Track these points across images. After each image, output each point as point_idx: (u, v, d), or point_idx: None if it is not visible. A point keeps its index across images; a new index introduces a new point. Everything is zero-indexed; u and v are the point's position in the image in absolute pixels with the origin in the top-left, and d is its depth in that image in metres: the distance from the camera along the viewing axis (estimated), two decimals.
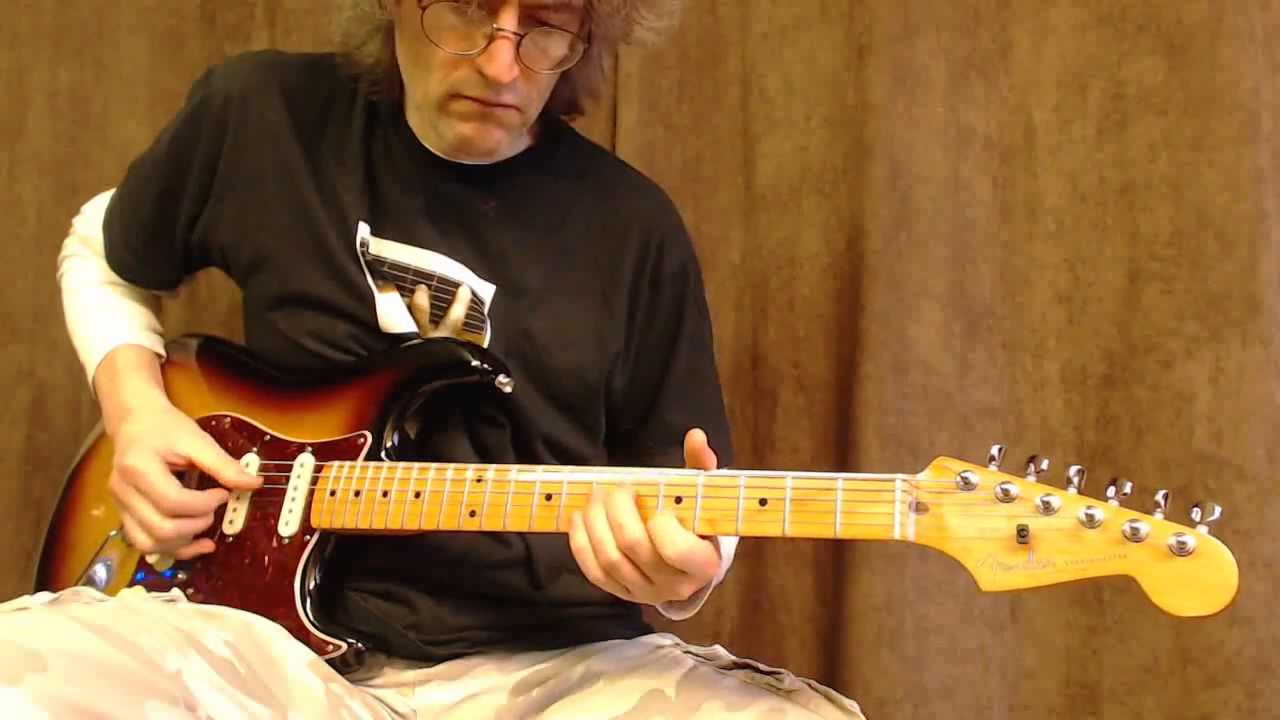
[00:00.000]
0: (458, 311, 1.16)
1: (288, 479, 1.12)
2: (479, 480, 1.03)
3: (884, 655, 1.45)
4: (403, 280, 1.16)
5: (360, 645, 1.06)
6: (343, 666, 1.06)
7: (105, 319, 1.28)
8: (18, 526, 1.69)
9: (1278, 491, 1.37)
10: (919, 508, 0.88)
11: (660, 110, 1.62)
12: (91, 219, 1.33)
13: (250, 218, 1.19)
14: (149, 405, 1.19)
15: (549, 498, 1.00)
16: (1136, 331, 1.44)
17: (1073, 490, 0.85)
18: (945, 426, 1.48)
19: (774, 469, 0.94)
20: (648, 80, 1.61)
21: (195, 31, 1.72)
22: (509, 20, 1.04)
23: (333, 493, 1.09)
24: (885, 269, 1.49)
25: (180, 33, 1.72)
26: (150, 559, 1.15)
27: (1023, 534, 0.84)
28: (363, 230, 1.16)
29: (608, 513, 0.94)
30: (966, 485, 0.87)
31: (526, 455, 1.17)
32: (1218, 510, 0.82)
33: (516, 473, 1.02)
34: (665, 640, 1.18)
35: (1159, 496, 0.83)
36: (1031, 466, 0.87)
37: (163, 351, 1.28)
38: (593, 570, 0.95)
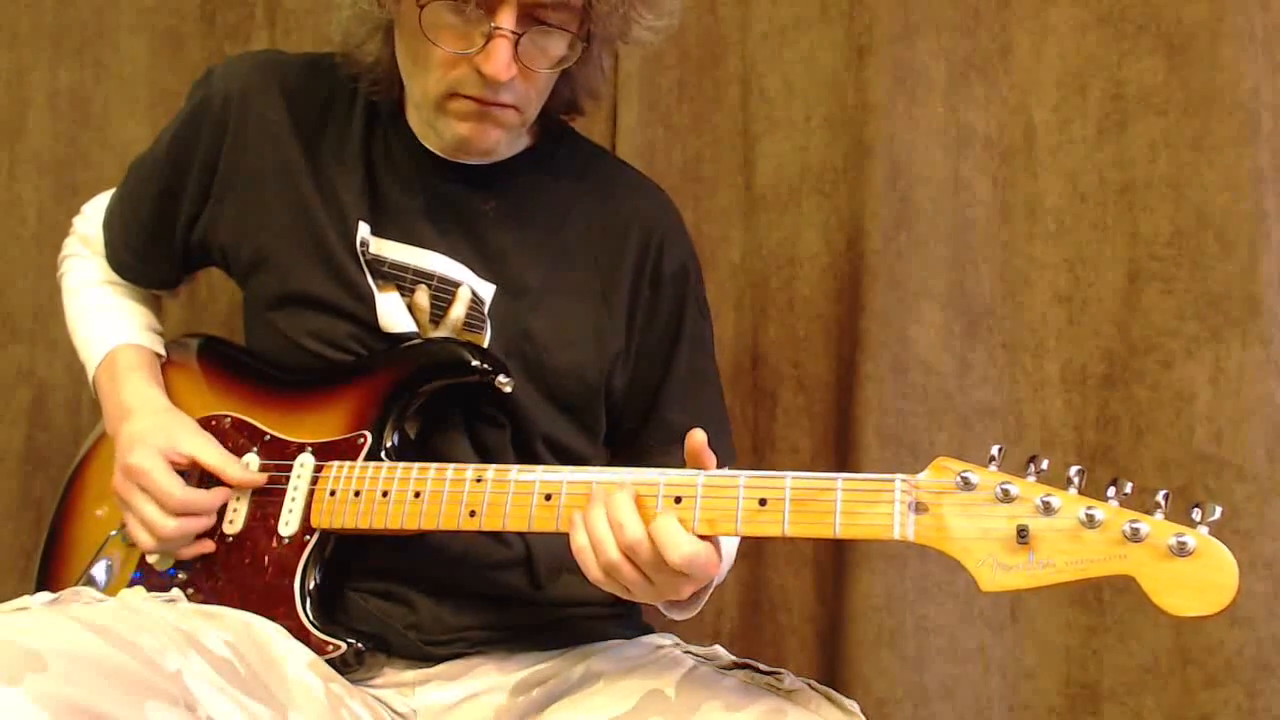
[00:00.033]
0: (458, 311, 1.16)
1: (288, 479, 1.12)
2: (479, 480, 1.03)
3: (884, 655, 1.45)
4: (403, 280, 1.16)
5: (360, 645, 1.06)
6: (343, 666, 1.06)
7: (105, 319, 1.28)
8: (18, 526, 1.69)
9: (1278, 491, 1.37)
10: (919, 508, 0.88)
11: (660, 110, 1.62)
12: (92, 218, 1.33)
13: (250, 217, 1.19)
14: (150, 405, 1.19)
15: (548, 498, 1.00)
16: (1136, 331, 1.44)
17: (1073, 490, 0.85)
18: (945, 426, 1.48)
19: (774, 469, 0.94)
20: (648, 80, 1.61)
21: (195, 31, 1.72)
22: (507, 19, 1.04)
23: (333, 493, 1.09)
24: (885, 269, 1.49)
25: (180, 33, 1.72)
26: (150, 559, 1.15)
27: (1023, 534, 0.84)
28: (363, 230, 1.16)
29: (608, 513, 0.94)
30: (966, 485, 0.87)
31: (527, 455, 1.17)
32: (1218, 510, 0.82)
33: (516, 473, 1.02)
34: (665, 640, 1.18)
35: (1159, 497, 0.83)
36: (1031, 466, 0.87)
37: (163, 351, 1.28)
38: (593, 570, 0.95)
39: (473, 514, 1.02)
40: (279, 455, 1.14)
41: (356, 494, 1.08)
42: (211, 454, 1.13)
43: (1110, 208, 1.47)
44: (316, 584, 1.08)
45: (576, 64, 1.14)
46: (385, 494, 1.06)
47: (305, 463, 1.12)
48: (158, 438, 1.13)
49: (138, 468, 1.11)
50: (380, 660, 1.13)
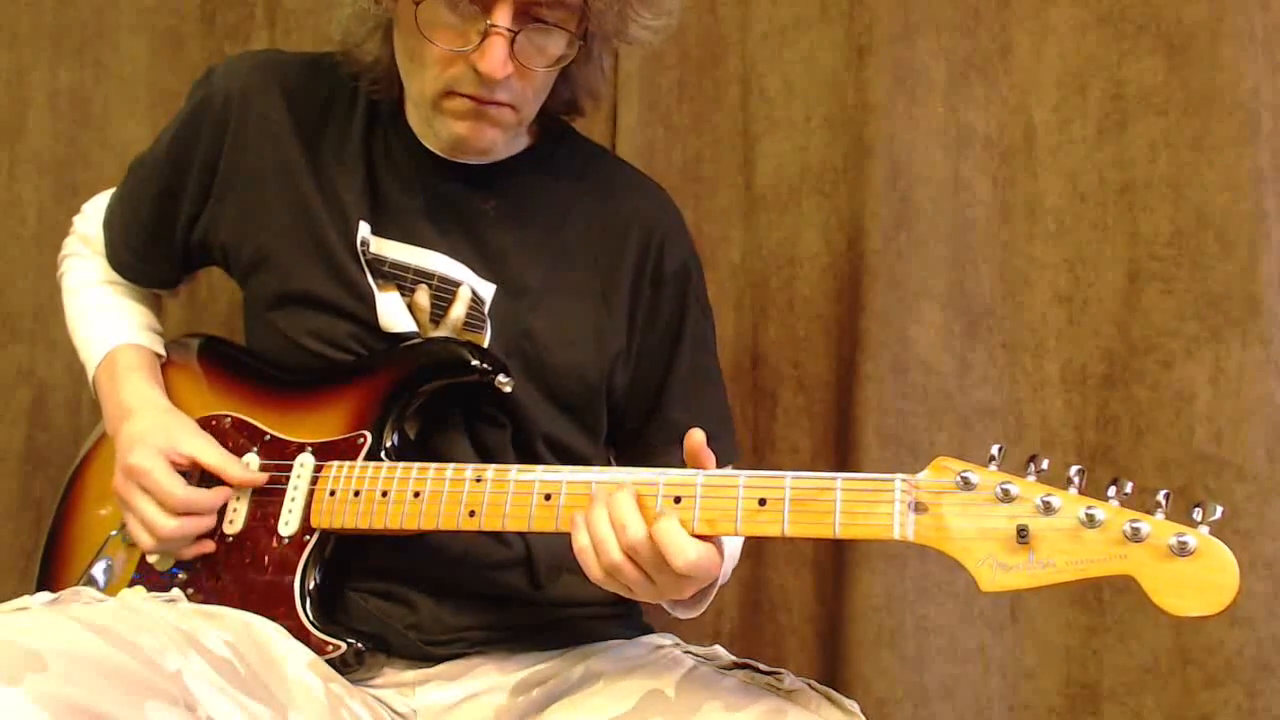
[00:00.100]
0: (458, 311, 1.16)
1: (288, 479, 1.12)
2: (478, 480, 1.03)
3: (884, 655, 1.45)
4: (403, 279, 1.16)
5: (360, 645, 1.06)
6: (343, 666, 1.06)
7: (105, 318, 1.28)
8: (18, 526, 1.69)
9: (1278, 491, 1.37)
10: (919, 508, 0.88)
11: (660, 110, 1.62)
12: (92, 218, 1.33)
13: (251, 217, 1.19)
14: (150, 405, 1.19)
15: (548, 498, 1.00)
16: (1136, 331, 1.44)
17: (1073, 490, 0.85)
18: (945, 426, 1.48)
19: (774, 469, 0.94)
20: (648, 80, 1.61)
21: (195, 31, 1.72)
22: (503, 16, 1.04)
23: (332, 493, 1.09)
24: (885, 269, 1.49)
25: (180, 33, 1.72)
26: (151, 559, 1.15)
27: (1023, 534, 0.84)
28: (363, 229, 1.16)
29: (610, 513, 0.93)
30: (966, 485, 0.86)
31: (527, 455, 1.17)
32: (1219, 510, 0.82)
33: (516, 473, 1.02)
34: (665, 640, 1.18)
35: (1160, 496, 0.83)
36: (1031, 466, 0.87)
37: (163, 351, 1.28)
38: (594, 570, 0.95)
39: (472, 514, 1.02)
40: (279, 455, 1.14)
41: (356, 494, 1.08)
42: (211, 454, 1.13)
43: (1110, 208, 1.47)
44: (316, 584, 1.08)
45: (576, 64, 1.14)
46: (385, 494, 1.06)
47: (305, 462, 1.12)
48: (158, 438, 1.13)
49: (138, 468, 1.11)
50: (380, 660, 1.13)
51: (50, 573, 1.24)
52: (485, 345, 1.15)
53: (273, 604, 1.07)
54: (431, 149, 1.18)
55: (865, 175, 1.52)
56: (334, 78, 1.20)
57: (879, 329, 1.48)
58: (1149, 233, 1.44)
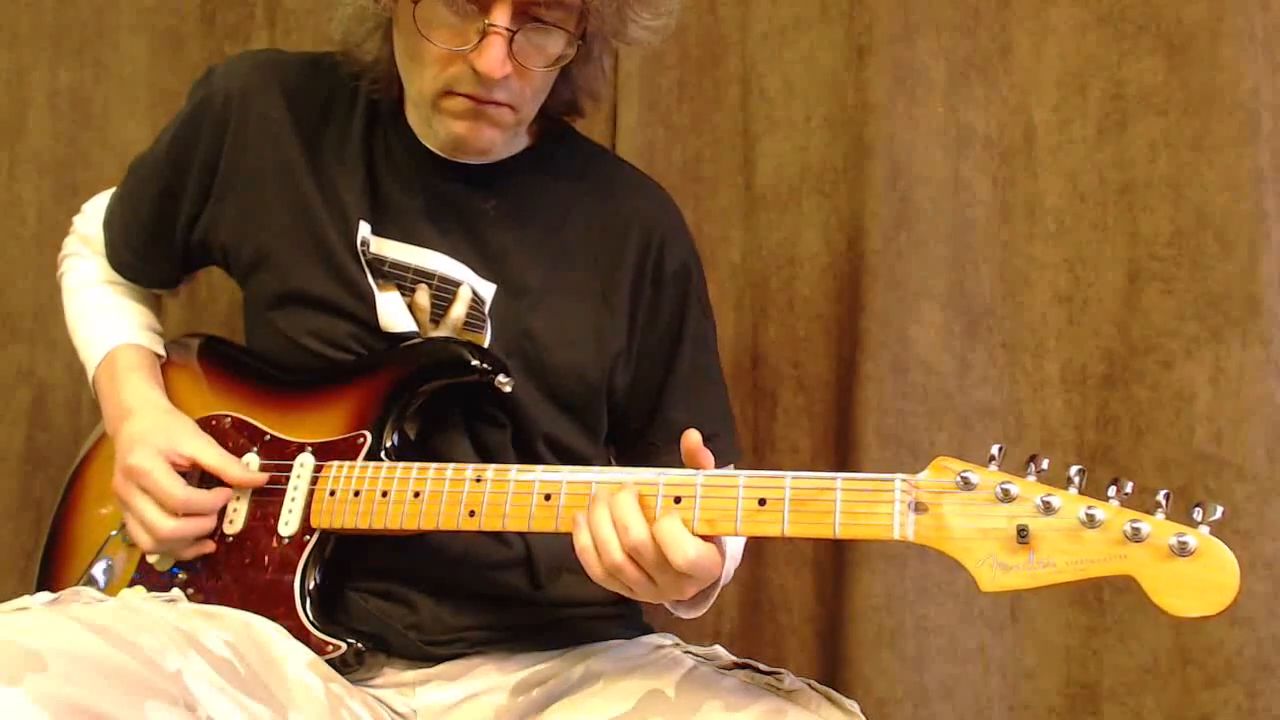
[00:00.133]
0: (458, 311, 1.16)
1: (288, 479, 1.12)
2: (478, 480, 1.03)
3: (884, 655, 1.45)
4: (403, 279, 1.16)
5: (360, 645, 1.06)
6: (343, 666, 1.06)
7: (105, 318, 1.28)
8: (18, 526, 1.68)
9: (1278, 491, 1.37)
10: (919, 508, 0.88)
11: (660, 110, 1.62)
12: (92, 218, 1.33)
13: (251, 217, 1.19)
14: (150, 405, 1.19)
15: (548, 498, 1.00)
16: (1136, 331, 1.44)
17: (1073, 490, 0.85)
18: (945, 426, 1.48)
19: (774, 469, 0.94)
20: (648, 80, 1.61)
21: (195, 31, 1.72)
22: (501, 16, 1.04)
23: (332, 493, 1.09)
24: (885, 269, 1.49)
25: (180, 33, 1.72)
26: (151, 559, 1.15)
27: (1023, 534, 0.84)
28: (363, 229, 1.16)
29: (612, 513, 0.93)
30: (966, 485, 0.86)
31: (527, 455, 1.17)
32: (1219, 510, 0.82)
33: (516, 473, 1.02)
34: (665, 640, 1.18)
35: (1160, 496, 0.83)
36: (1031, 466, 0.86)
37: (163, 351, 1.28)
38: (596, 570, 0.95)
39: (472, 514, 1.02)
40: (279, 455, 1.14)
41: (356, 494, 1.08)
42: (211, 455, 1.13)
43: (1110, 208, 1.47)
44: (316, 584, 1.08)
45: (575, 64, 1.14)
46: (385, 494, 1.06)
47: (305, 462, 1.12)
48: (158, 438, 1.13)
49: (138, 468, 1.11)
50: (380, 660, 1.13)
51: (50, 573, 1.24)
52: (485, 345, 1.15)
53: (273, 604, 1.07)
54: (432, 149, 1.18)
55: (865, 175, 1.52)
56: (334, 77, 1.20)
57: (879, 329, 1.48)
58: (1149, 233, 1.44)
